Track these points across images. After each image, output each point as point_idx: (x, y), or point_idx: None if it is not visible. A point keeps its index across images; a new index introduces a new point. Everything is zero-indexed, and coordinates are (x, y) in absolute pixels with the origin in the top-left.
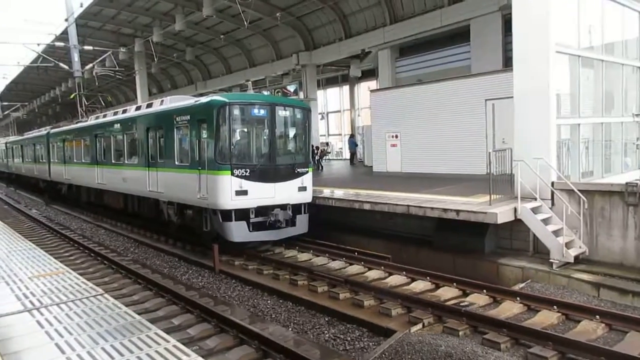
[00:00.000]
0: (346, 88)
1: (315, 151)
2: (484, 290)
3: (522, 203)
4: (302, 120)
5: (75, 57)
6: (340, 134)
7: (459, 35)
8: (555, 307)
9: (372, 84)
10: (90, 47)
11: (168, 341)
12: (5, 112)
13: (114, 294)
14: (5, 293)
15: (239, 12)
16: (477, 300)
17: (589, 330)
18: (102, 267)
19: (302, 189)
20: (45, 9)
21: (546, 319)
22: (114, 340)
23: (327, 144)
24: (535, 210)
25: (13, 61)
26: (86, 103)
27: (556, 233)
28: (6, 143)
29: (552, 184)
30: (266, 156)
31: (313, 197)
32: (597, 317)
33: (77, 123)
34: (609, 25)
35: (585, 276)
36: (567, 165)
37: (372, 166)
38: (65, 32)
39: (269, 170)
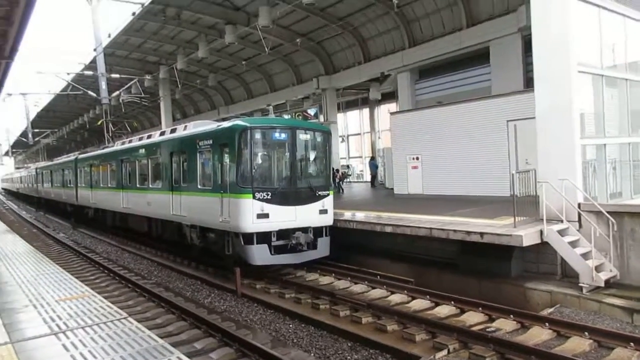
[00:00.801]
0: (366, 111)
1: (336, 174)
2: (511, 315)
3: (548, 225)
4: (323, 143)
5: (103, 85)
6: (360, 157)
7: (479, 57)
8: (586, 333)
9: (392, 106)
10: (117, 75)
11: None
12: (36, 139)
13: (137, 317)
14: (33, 316)
15: (260, 38)
16: (504, 325)
17: (623, 358)
18: (127, 290)
19: (323, 211)
20: (76, 39)
21: (577, 345)
22: None
23: (347, 166)
24: (562, 233)
25: (44, 90)
26: (113, 129)
27: (585, 256)
28: (36, 169)
29: (579, 205)
30: (287, 179)
31: (334, 219)
32: (632, 344)
33: (103, 148)
34: (632, 44)
35: (617, 301)
36: (594, 186)
37: (393, 188)
38: (93, 61)
39: (290, 193)
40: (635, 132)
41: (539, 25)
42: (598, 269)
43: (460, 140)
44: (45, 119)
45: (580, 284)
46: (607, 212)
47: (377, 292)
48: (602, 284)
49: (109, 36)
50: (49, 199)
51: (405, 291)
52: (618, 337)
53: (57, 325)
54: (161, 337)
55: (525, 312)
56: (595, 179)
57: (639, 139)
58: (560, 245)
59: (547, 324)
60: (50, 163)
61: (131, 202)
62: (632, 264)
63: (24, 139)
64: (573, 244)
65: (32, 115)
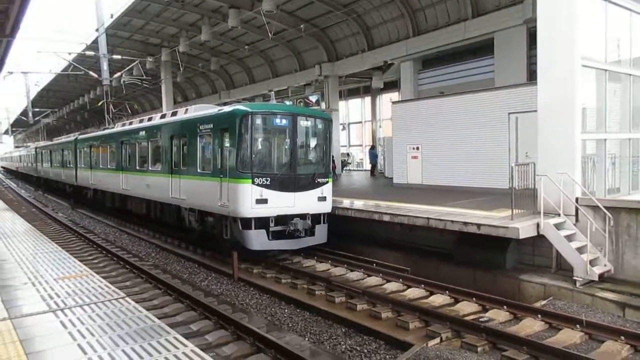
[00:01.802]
0: (368, 99)
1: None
2: (504, 306)
3: (545, 218)
4: (324, 131)
5: (104, 66)
6: (361, 145)
7: (483, 48)
8: (578, 326)
9: (394, 95)
10: (119, 57)
11: (186, 346)
12: (36, 118)
13: (135, 297)
14: (32, 293)
15: (263, 23)
16: (497, 316)
17: (613, 351)
18: (124, 271)
19: (322, 198)
20: (77, 19)
21: (568, 337)
22: (134, 343)
23: (347, 154)
24: (558, 226)
25: (45, 69)
26: (113, 110)
27: (580, 250)
28: (36, 148)
29: (577, 199)
30: (287, 165)
31: (333, 207)
32: (622, 338)
33: (104, 130)
34: (637, 39)
35: (610, 295)
36: (593, 181)
37: (392, 178)
38: (95, 42)
39: (290, 180)
40: (636, 128)
41: (544, 18)
42: (592, 263)
43: (461, 131)
44: (46, 98)
45: (574, 278)
46: (605, 207)
47: (373, 280)
48: (596, 278)
49: (111, 17)
50: (48, 179)
51: (401, 280)
52: (609, 331)
53: (55, 303)
54: (158, 318)
55: (518, 304)
56: (594, 173)
57: None
58: (556, 239)
59: (539, 315)
60: (50, 143)
61: (130, 184)
62: (627, 259)
63: (23, 118)
64: (569, 238)
65: (33, 95)
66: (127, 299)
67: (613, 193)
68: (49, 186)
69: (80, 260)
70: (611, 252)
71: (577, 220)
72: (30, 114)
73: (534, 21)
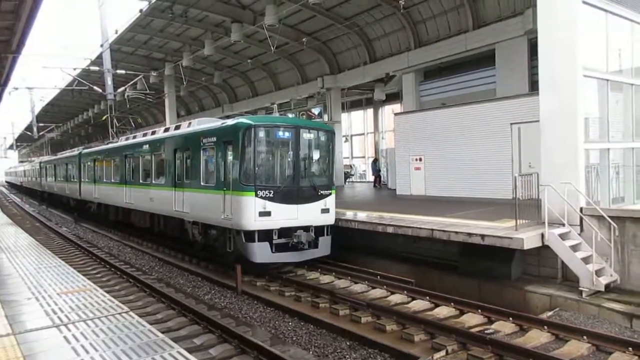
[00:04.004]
0: (370, 111)
1: None
2: (510, 318)
3: (549, 229)
4: (326, 143)
5: (109, 81)
6: (364, 157)
7: (484, 59)
8: (585, 337)
9: (397, 107)
10: (123, 71)
11: None
12: (41, 133)
13: (138, 312)
14: (35, 308)
15: (266, 37)
16: (503, 328)
17: None
18: (128, 285)
19: (325, 210)
20: (82, 34)
21: (575, 349)
22: (138, 357)
23: (350, 166)
24: (563, 237)
25: (50, 84)
26: (117, 124)
27: (586, 260)
28: (40, 162)
29: (581, 209)
30: (290, 178)
31: (336, 219)
32: (630, 349)
33: (108, 144)
34: (639, 49)
35: (617, 306)
36: (597, 191)
37: (395, 189)
38: (100, 57)
39: (293, 192)
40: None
41: (545, 29)
42: (598, 273)
43: (464, 142)
44: (51, 113)
45: (580, 288)
46: (609, 216)
47: (377, 292)
48: (602, 289)
49: (116, 32)
50: (52, 193)
51: (405, 292)
52: (616, 342)
53: (59, 318)
54: (161, 332)
55: (524, 315)
56: (598, 183)
57: None
58: (561, 249)
59: (546, 327)
60: (54, 157)
61: (134, 197)
62: (633, 269)
63: (28, 133)
64: (574, 248)
65: (38, 110)
66: (130, 313)
67: (617, 202)
68: (53, 200)
69: (84, 275)
70: (617, 262)
71: (581, 230)
72: (35, 129)
73: (535, 32)
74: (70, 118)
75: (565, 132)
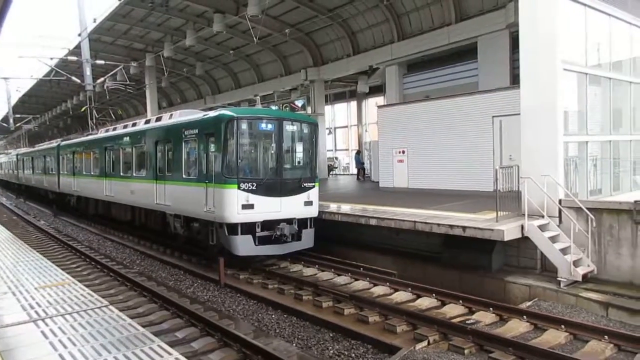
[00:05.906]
0: (354, 104)
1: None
2: (490, 308)
3: (529, 220)
4: (309, 135)
5: (87, 71)
6: (347, 149)
7: (467, 52)
8: (562, 326)
9: (380, 99)
10: (102, 62)
11: (171, 354)
12: (17, 124)
13: (119, 306)
14: (12, 303)
15: (248, 28)
16: (483, 318)
17: (597, 350)
18: (108, 279)
19: (309, 203)
20: (60, 24)
21: (553, 338)
22: (117, 352)
23: (334, 159)
24: (542, 228)
25: (27, 75)
26: (97, 116)
27: (564, 251)
28: (17, 155)
29: (560, 201)
30: (273, 170)
31: (319, 211)
32: (606, 337)
33: (87, 136)
34: (617, 43)
35: (593, 295)
36: (575, 183)
37: (378, 182)
38: (78, 47)
39: (276, 185)
40: (617, 130)
41: (526, 22)
42: (576, 263)
43: (446, 134)
44: (28, 104)
45: (558, 279)
46: (587, 208)
47: (360, 284)
48: (580, 279)
49: (94, 21)
50: (30, 186)
51: (388, 283)
52: (593, 330)
53: (36, 313)
54: (143, 326)
55: (504, 305)
56: (576, 175)
57: (620, 137)
58: (540, 240)
59: (525, 317)
60: (32, 149)
61: (114, 190)
62: (609, 259)
63: (4, 124)
64: (553, 239)
65: (14, 100)
66: (110, 307)
67: (595, 194)
68: (31, 193)
69: (63, 269)
70: (594, 252)
71: (560, 221)
72: (11, 120)
73: (517, 26)
74: (48, 109)
75: (545, 125)
